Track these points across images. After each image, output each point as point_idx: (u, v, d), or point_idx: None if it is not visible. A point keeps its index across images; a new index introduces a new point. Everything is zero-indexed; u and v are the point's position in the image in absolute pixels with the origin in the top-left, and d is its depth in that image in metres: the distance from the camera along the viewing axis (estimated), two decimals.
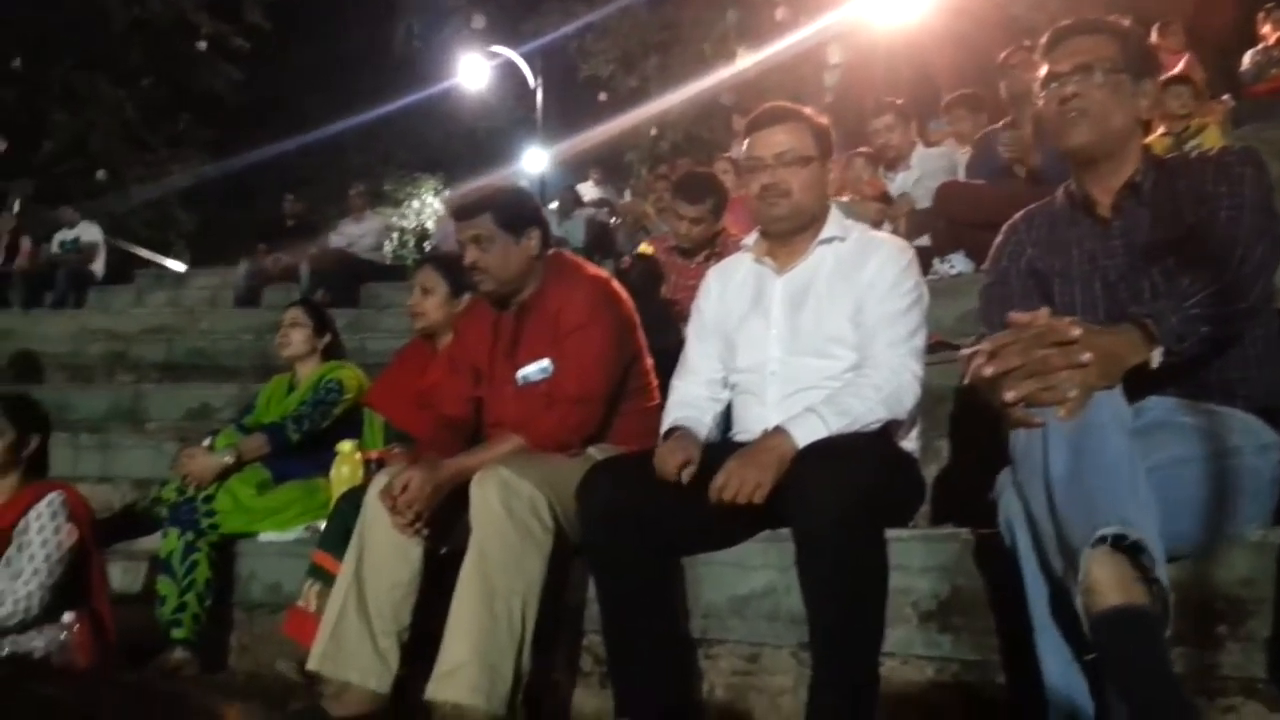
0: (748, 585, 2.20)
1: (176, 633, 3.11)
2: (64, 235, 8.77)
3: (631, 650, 2.09)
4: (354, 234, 8.64)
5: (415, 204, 18.06)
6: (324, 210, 10.63)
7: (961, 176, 4.66)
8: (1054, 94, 1.85)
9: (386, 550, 2.34)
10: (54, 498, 3.01)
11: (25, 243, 8.82)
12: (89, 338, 7.11)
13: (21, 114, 13.01)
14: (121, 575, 3.53)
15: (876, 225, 4.28)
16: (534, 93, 17.51)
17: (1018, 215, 2.07)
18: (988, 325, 1.94)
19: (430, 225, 16.29)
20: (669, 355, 2.54)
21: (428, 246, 14.58)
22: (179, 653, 3.08)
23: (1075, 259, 1.92)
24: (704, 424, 2.27)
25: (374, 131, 16.37)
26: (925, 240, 4.38)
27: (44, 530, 2.96)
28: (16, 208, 9.24)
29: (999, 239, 2.07)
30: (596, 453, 2.39)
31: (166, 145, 14.44)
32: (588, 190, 11.23)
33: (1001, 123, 4.52)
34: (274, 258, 8.42)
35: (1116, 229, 1.88)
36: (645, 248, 4.29)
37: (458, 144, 18.25)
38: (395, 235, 14.72)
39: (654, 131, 14.77)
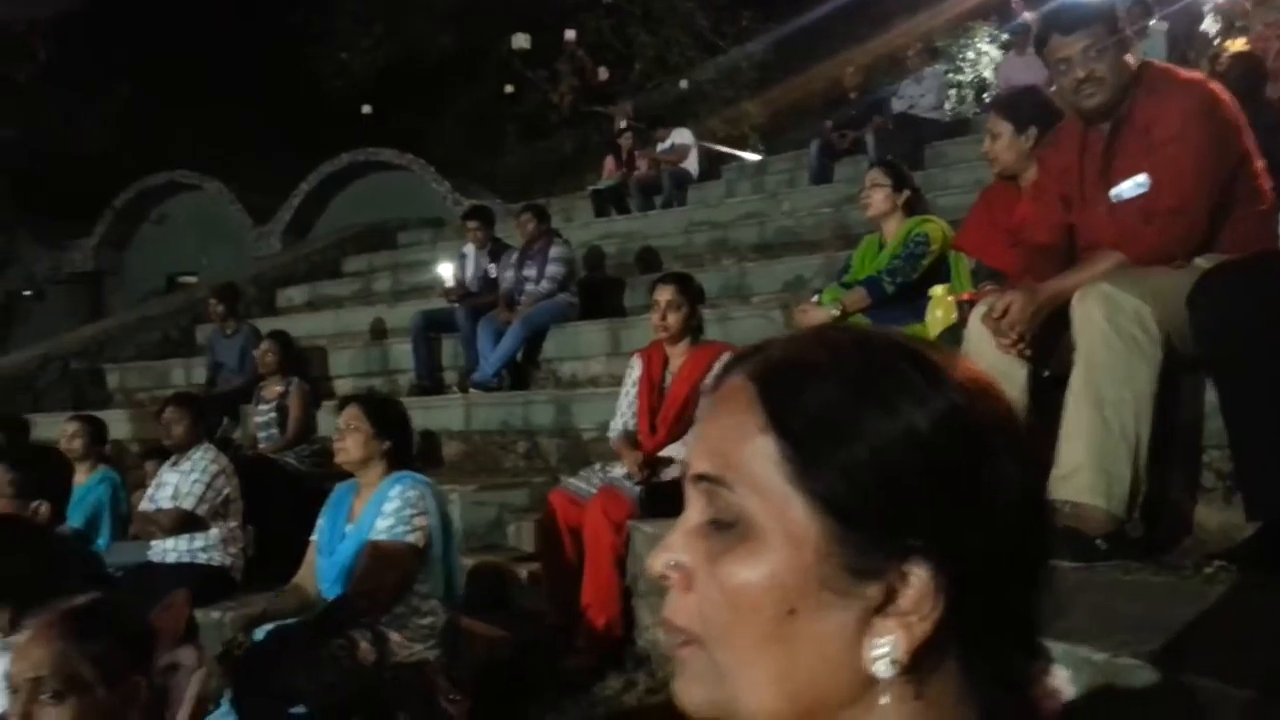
0: None
1: None
2: (663, 144, 10.02)
3: (1262, 459, 2.05)
4: (914, 94, 8.67)
5: (970, 55, 17.37)
6: (880, 78, 10.76)
7: None
8: None
9: (991, 373, 2.51)
10: (731, 353, 3.68)
11: (635, 155, 10.23)
12: (694, 229, 8.10)
13: (615, 42, 14.96)
14: None
15: None
16: None
17: None
18: None
19: (988, 75, 15.59)
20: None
21: (987, 98, 14.02)
22: None
23: None
24: None
25: None
26: None
27: None
28: (624, 126, 10.68)
29: None
30: (1204, 262, 2.32)
31: (734, 44, 15.61)
32: None
33: None
34: (840, 133, 8.79)
35: None
36: (1240, 45, 3.83)
37: None
38: (953, 92, 14.35)
39: None
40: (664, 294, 3.68)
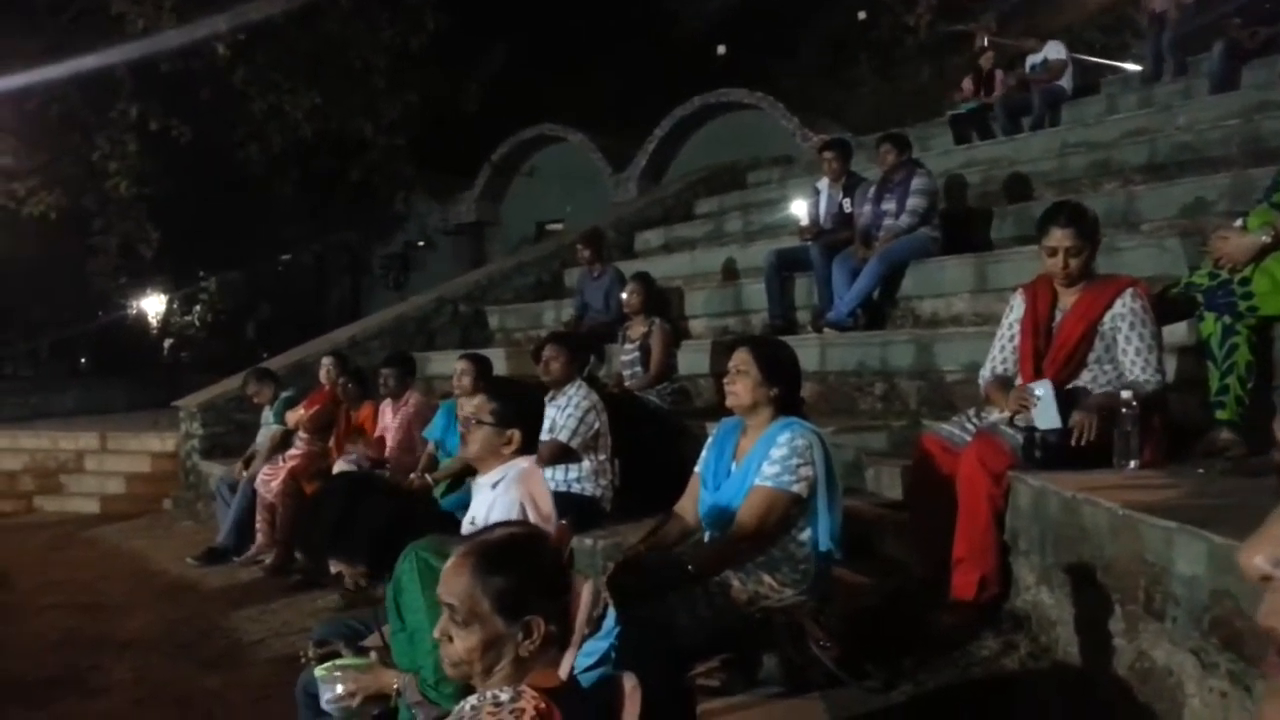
0: None
1: (1220, 414, 3.17)
2: (1032, 59, 9.19)
3: None
4: None
5: None
6: None
7: None
8: None
9: None
10: (1134, 289, 3.26)
11: (998, 74, 9.47)
12: (1069, 151, 7.36)
13: None
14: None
15: None
16: None
17: None
18: None
19: None
20: None
21: None
22: (1224, 434, 3.15)
23: None
24: None
25: None
26: None
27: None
28: (985, 41, 9.90)
29: None
30: None
31: None
32: None
33: None
34: (1250, 31, 7.60)
35: None
36: None
37: None
38: None
39: None
40: (1064, 238, 3.27)
